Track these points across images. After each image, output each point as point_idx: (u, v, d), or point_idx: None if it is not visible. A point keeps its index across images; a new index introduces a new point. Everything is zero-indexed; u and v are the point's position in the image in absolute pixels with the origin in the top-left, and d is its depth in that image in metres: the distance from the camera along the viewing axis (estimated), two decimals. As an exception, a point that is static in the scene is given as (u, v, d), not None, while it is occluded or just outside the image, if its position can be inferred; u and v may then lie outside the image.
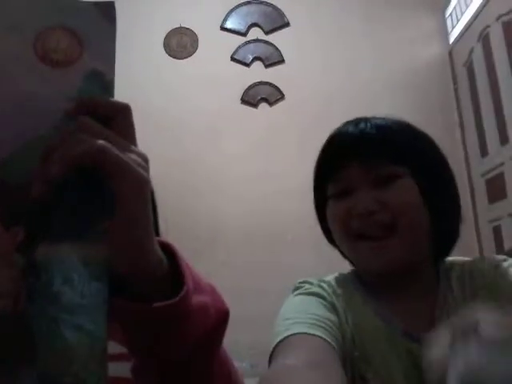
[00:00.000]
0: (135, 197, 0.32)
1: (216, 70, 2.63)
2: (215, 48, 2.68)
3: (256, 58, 2.69)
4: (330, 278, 0.66)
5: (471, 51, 2.48)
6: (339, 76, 2.62)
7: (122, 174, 0.32)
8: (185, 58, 2.68)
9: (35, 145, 0.32)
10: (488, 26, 2.30)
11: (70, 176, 0.31)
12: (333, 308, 0.58)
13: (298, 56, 2.67)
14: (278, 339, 0.51)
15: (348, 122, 0.64)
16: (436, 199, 0.60)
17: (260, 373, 0.48)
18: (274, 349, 0.51)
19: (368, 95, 2.51)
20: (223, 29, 2.73)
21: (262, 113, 2.62)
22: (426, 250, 0.61)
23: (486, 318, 0.34)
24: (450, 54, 2.71)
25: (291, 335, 0.50)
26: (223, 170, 2.52)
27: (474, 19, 2.43)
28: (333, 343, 0.51)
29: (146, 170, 0.34)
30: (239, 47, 2.70)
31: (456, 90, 2.65)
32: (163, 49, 2.68)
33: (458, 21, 2.68)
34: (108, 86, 0.34)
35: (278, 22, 2.74)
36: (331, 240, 0.67)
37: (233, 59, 2.69)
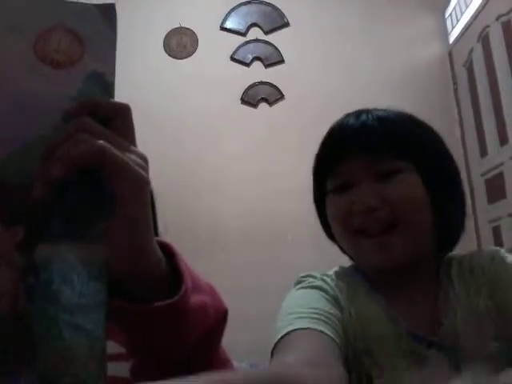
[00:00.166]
0: (135, 197, 0.32)
1: (216, 70, 2.63)
2: (215, 48, 2.68)
3: (256, 58, 2.69)
4: (332, 271, 0.65)
5: (471, 51, 2.48)
6: (339, 76, 2.62)
7: (121, 175, 0.32)
8: (184, 57, 2.68)
9: (35, 145, 0.32)
10: (488, 26, 2.30)
11: (71, 176, 0.31)
12: (336, 301, 0.57)
13: (297, 56, 2.67)
14: (280, 335, 0.50)
15: (349, 114, 0.63)
16: (440, 193, 0.58)
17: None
18: (276, 344, 0.50)
19: (368, 95, 2.51)
20: (223, 29, 2.73)
21: (262, 113, 2.62)
22: (429, 245, 0.60)
23: None
24: (450, 54, 2.71)
25: (292, 331, 0.49)
26: (223, 170, 2.52)
27: (474, 19, 2.43)
28: (335, 338, 0.50)
29: (146, 170, 0.34)
30: (239, 47, 2.70)
31: (456, 90, 2.65)
32: (163, 49, 2.68)
33: (457, 21, 2.68)
34: (108, 87, 0.34)
35: (278, 21, 2.74)
36: (330, 235, 0.66)
37: (232, 59, 2.69)
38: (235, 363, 0.47)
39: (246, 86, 2.64)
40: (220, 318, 0.42)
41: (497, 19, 2.22)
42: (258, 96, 2.64)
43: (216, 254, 2.34)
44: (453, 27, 2.72)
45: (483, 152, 2.40)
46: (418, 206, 0.57)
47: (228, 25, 2.73)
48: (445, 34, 2.76)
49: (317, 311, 0.53)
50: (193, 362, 0.39)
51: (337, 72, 2.63)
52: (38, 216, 0.32)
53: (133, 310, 0.34)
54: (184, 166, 2.50)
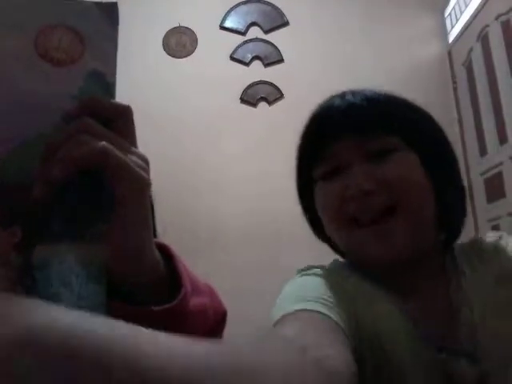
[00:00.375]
0: (136, 199, 0.32)
1: (215, 70, 2.63)
2: (214, 47, 2.68)
3: (255, 58, 2.69)
4: (331, 263, 0.60)
5: (470, 51, 2.48)
6: (338, 75, 2.62)
7: (123, 176, 0.32)
8: (184, 57, 2.67)
9: (35, 144, 0.32)
10: (487, 26, 2.30)
11: (71, 177, 0.31)
12: (344, 293, 0.50)
13: (297, 55, 2.67)
14: (282, 313, 0.44)
15: (333, 96, 0.57)
16: (440, 175, 0.52)
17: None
18: (279, 321, 0.44)
19: (367, 95, 2.51)
20: (222, 28, 2.72)
21: (262, 112, 2.62)
22: (432, 234, 0.53)
23: None
24: (449, 53, 2.71)
25: (300, 310, 0.44)
26: (223, 170, 2.52)
27: (473, 19, 2.43)
28: (342, 325, 0.43)
29: (147, 171, 0.34)
30: (238, 46, 2.70)
31: (455, 90, 2.65)
32: (162, 48, 2.68)
33: (457, 20, 2.67)
34: (109, 87, 0.34)
35: (278, 21, 2.73)
36: (319, 233, 0.60)
37: (232, 58, 2.69)
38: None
39: (245, 86, 2.63)
40: (219, 319, 0.42)
41: (496, 19, 2.21)
42: (257, 95, 2.64)
43: (216, 254, 2.34)
44: (452, 27, 2.72)
45: (483, 151, 2.40)
46: (417, 187, 0.51)
47: (227, 24, 2.72)
48: (444, 33, 2.76)
49: (323, 297, 0.46)
50: None
51: (336, 71, 2.63)
52: (37, 216, 0.31)
53: (132, 312, 0.34)
54: (183, 165, 2.50)
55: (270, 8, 2.74)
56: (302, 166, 0.59)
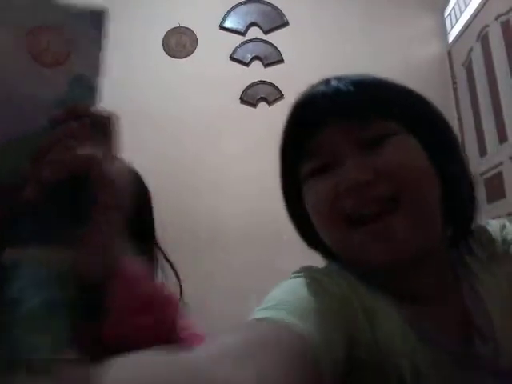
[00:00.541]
0: (116, 206, 0.34)
1: (215, 70, 2.63)
2: (214, 47, 2.68)
3: (255, 58, 2.69)
4: (327, 265, 0.54)
5: (470, 51, 2.48)
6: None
7: (106, 184, 0.33)
8: (184, 57, 2.67)
9: (19, 145, 0.32)
10: (487, 26, 2.30)
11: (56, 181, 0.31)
12: (334, 292, 0.44)
13: (297, 55, 2.67)
14: (253, 316, 0.40)
15: (316, 84, 0.51)
16: (444, 161, 0.46)
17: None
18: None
19: (367, 95, 2.51)
20: (222, 28, 2.72)
21: (261, 112, 2.62)
22: (439, 228, 0.46)
23: None
24: (449, 53, 2.71)
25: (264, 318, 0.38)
26: (222, 170, 2.52)
27: (473, 19, 2.43)
28: (307, 331, 0.36)
29: (128, 181, 0.36)
30: (238, 47, 2.70)
31: (455, 90, 2.65)
32: (162, 48, 2.67)
33: (457, 20, 2.68)
34: (93, 92, 0.34)
35: (277, 21, 2.73)
36: (309, 238, 0.54)
37: (232, 59, 2.69)
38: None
39: (245, 86, 2.63)
40: (170, 332, 0.43)
41: (496, 19, 2.22)
42: (257, 95, 2.63)
43: (216, 254, 2.34)
44: (452, 27, 2.72)
45: (482, 151, 2.40)
46: (421, 174, 0.44)
47: (227, 24, 2.72)
48: (444, 33, 2.76)
49: (296, 303, 0.40)
50: None
51: (336, 71, 2.60)
52: (8, 219, 0.31)
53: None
54: (183, 165, 2.50)
55: (269, 8, 2.74)
56: (286, 163, 0.52)
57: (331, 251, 0.50)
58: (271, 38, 2.71)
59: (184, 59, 2.67)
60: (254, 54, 2.69)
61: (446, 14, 2.79)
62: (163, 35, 2.68)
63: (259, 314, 0.38)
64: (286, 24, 2.73)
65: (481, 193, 2.40)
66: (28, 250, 0.31)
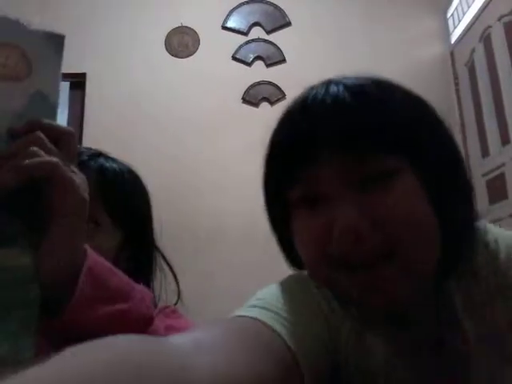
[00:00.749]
0: (75, 211, 0.37)
1: (217, 70, 2.63)
2: (216, 47, 2.68)
3: (257, 58, 2.69)
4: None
5: (473, 51, 2.47)
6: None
7: (67, 190, 0.36)
8: (186, 57, 2.68)
9: None
10: (490, 27, 2.29)
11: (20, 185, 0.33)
12: (321, 313, 0.44)
13: (299, 55, 2.67)
14: (235, 314, 0.40)
15: (313, 93, 0.46)
16: (446, 201, 0.41)
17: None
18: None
19: (369, 95, 2.51)
20: (224, 28, 2.72)
21: (263, 112, 2.62)
22: (433, 271, 0.41)
23: None
24: (452, 54, 2.70)
25: (243, 316, 0.39)
26: (224, 170, 2.52)
27: (476, 19, 2.43)
28: (284, 333, 0.37)
29: (86, 191, 0.38)
30: (240, 46, 2.70)
31: (457, 91, 2.65)
32: (164, 48, 2.68)
33: (459, 21, 2.67)
34: (52, 109, 0.37)
35: (280, 21, 2.73)
36: (294, 261, 0.49)
37: (234, 58, 2.69)
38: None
39: (247, 86, 2.63)
40: (141, 324, 0.44)
41: (499, 20, 2.21)
42: (259, 95, 2.64)
43: (216, 254, 2.34)
44: (455, 27, 2.72)
45: (485, 152, 2.39)
46: (422, 226, 0.39)
47: (230, 24, 2.73)
48: (447, 34, 2.76)
49: (278, 305, 0.40)
50: None
51: (338, 72, 2.62)
52: None
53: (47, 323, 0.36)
54: (185, 165, 2.50)
55: (272, 8, 2.74)
56: (270, 184, 0.47)
57: None
58: (273, 37, 2.71)
59: (186, 59, 2.68)
60: (256, 54, 2.69)
61: (449, 14, 2.79)
62: (165, 35, 2.68)
63: (239, 312, 0.40)
64: (288, 24, 2.73)
65: (483, 194, 2.40)
66: None
